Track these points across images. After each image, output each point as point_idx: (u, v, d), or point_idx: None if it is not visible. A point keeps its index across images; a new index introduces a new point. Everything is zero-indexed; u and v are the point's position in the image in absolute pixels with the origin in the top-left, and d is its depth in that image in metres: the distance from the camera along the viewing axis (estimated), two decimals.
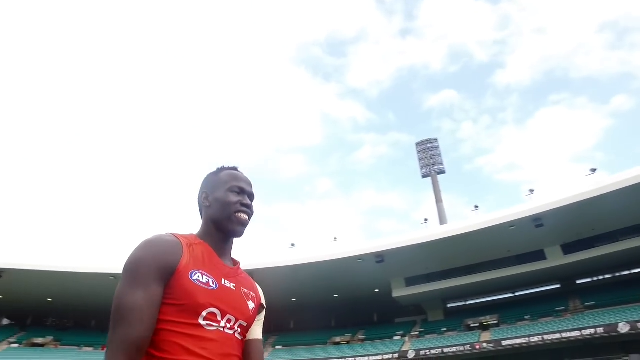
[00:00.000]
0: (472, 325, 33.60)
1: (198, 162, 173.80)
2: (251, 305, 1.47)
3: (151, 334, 1.22)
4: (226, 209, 1.46)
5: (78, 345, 39.25)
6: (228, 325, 1.35)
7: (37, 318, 43.05)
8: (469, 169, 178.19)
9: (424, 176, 69.81)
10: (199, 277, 1.31)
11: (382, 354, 32.34)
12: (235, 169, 1.59)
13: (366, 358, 32.48)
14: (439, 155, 69.70)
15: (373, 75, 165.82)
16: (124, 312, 1.19)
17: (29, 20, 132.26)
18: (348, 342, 37.23)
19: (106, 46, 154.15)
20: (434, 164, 69.10)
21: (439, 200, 67.84)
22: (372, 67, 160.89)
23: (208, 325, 1.30)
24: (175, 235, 1.37)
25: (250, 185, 1.57)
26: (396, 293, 35.16)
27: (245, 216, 1.48)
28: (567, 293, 33.36)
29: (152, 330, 1.22)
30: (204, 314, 1.29)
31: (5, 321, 42.86)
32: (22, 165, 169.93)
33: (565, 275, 32.93)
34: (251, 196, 1.55)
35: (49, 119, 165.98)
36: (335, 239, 34.96)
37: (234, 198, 1.48)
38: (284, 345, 39.13)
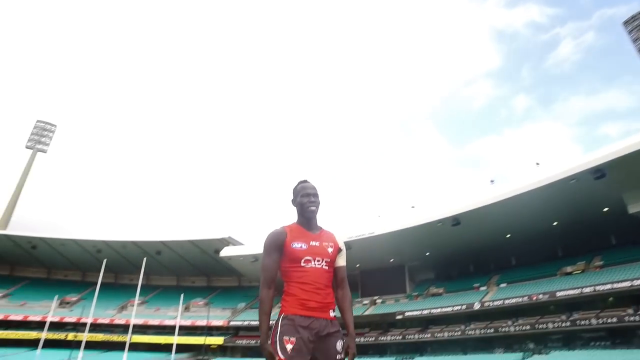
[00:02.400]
0: None
1: (380, 110, 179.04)
2: (330, 250, 2.65)
3: (275, 275, 2.54)
4: (302, 207, 2.72)
5: None
6: (317, 264, 2.58)
7: None
8: None
9: None
10: (295, 244, 2.59)
11: (632, 280, 28.44)
12: (305, 181, 2.82)
13: (609, 286, 29.20)
14: None
15: None
16: (264, 267, 2.57)
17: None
18: (582, 271, 33.96)
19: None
20: None
21: None
22: None
23: (306, 264, 2.56)
24: (283, 227, 2.66)
25: (314, 188, 2.74)
26: (634, 208, 30.05)
27: (312, 207, 2.70)
28: None
29: (276, 273, 2.55)
30: (302, 261, 2.57)
31: None
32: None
33: None
34: (315, 195, 2.71)
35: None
36: (538, 164, 31.98)
37: (304, 199, 2.72)
38: (508, 283, 38.43)
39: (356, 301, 46.80)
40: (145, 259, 47.47)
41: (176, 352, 42.22)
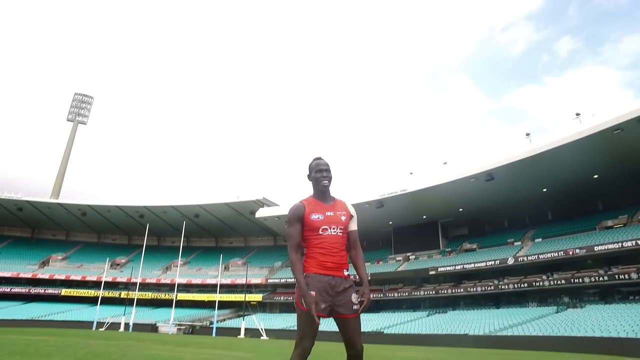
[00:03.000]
0: None
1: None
2: (343, 218, 2.97)
3: (300, 242, 2.89)
4: (316, 181, 3.02)
5: None
6: (333, 231, 2.91)
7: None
8: None
9: None
10: (313, 216, 2.91)
11: None
12: (319, 158, 3.10)
13: None
14: None
15: None
16: (289, 235, 2.90)
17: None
18: (624, 225, 32.59)
19: None
20: None
21: None
22: None
23: (323, 232, 2.89)
24: (302, 201, 2.98)
25: (326, 164, 3.05)
26: None
27: (325, 181, 3.00)
28: None
29: (300, 239, 2.88)
30: (320, 230, 2.89)
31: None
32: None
33: None
34: (327, 171, 3.02)
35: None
36: (578, 114, 30.01)
37: (317, 175, 3.01)
38: (543, 238, 37.61)
39: (389, 258, 47.56)
40: (184, 222, 49.88)
41: (218, 308, 44.99)
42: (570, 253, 31.98)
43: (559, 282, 32.49)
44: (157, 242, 62.67)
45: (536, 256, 34.36)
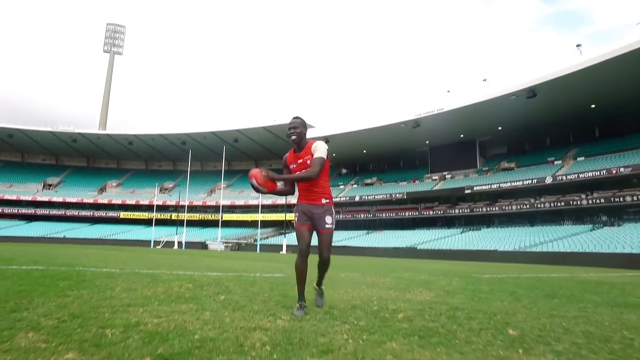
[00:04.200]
0: None
1: None
2: (309, 161, 3.60)
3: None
4: (288, 137, 3.68)
5: (396, 181, 49.62)
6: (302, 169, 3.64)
7: (362, 166, 56.20)
8: None
9: None
10: (291, 165, 3.72)
11: None
12: (294, 117, 3.74)
13: None
14: None
15: None
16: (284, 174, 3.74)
17: None
18: None
19: None
20: None
21: None
22: None
23: (293, 172, 3.68)
24: (287, 153, 3.77)
25: (294, 122, 3.70)
26: None
27: (293, 137, 3.66)
28: None
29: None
30: (291, 167, 3.70)
31: (344, 170, 58.37)
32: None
33: None
34: (294, 128, 3.67)
35: None
36: None
37: (288, 132, 3.70)
38: (586, 156, 36.23)
39: (425, 177, 47.89)
40: (224, 147, 51.72)
41: (261, 227, 48.12)
42: (614, 172, 30.92)
43: (598, 201, 31.93)
44: (200, 167, 65.79)
45: (576, 175, 33.52)
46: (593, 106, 33.68)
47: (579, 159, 36.83)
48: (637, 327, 3.31)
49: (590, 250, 25.44)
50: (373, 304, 4.17)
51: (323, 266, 3.80)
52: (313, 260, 3.57)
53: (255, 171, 3.56)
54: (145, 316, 2.99)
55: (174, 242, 45.68)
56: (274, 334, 2.59)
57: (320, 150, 3.61)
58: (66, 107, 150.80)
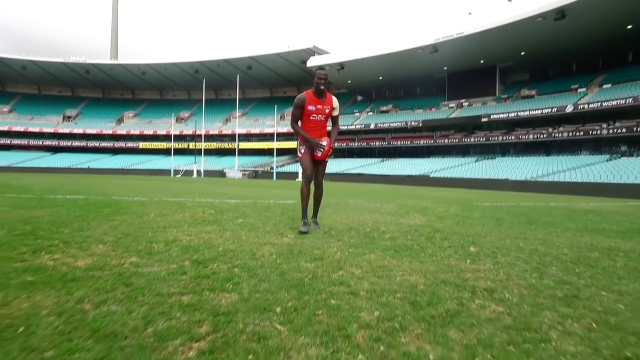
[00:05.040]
0: None
1: None
2: (327, 110, 4.46)
3: (298, 119, 4.50)
4: (316, 84, 4.34)
5: (412, 109, 49.04)
6: (319, 118, 4.46)
7: (378, 93, 55.25)
8: None
9: None
10: (309, 107, 4.41)
11: None
12: (321, 68, 4.42)
13: None
14: None
15: None
16: (292, 114, 4.49)
17: None
18: None
19: None
20: None
21: None
22: None
23: (312, 117, 4.45)
24: (304, 93, 4.43)
25: (325, 75, 4.33)
26: None
27: (321, 86, 4.31)
28: None
29: (299, 118, 4.49)
30: (311, 116, 4.44)
31: (359, 97, 57.60)
32: None
33: None
34: (325, 79, 4.33)
35: None
36: None
37: (318, 80, 4.33)
38: (613, 84, 34.81)
39: (442, 104, 47.13)
40: (238, 75, 51.23)
41: (277, 155, 49.20)
42: None
43: (619, 130, 31.36)
44: (215, 96, 65.71)
45: (599, 103, 32.59)
46: (630, 27, 31.58)
47: (604, 86, 35.49)
48: (579, 246, 3.96)
49: (603, 181, 25.46)
50: (367, 226, 4.90)
51: (318, 191, 4.60)
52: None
53: (328, 147, 4.38)
54: (179, 235, 3.77)
55: (192, 171, 47.40)
56: (279, 247, 3.34)
57: (338, 108, 4.54)
58: (78, 38, 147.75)
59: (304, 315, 1.81)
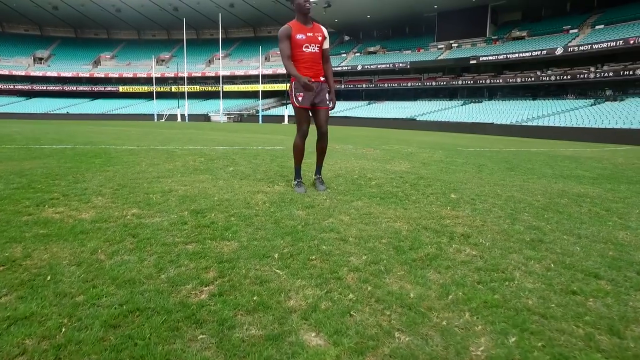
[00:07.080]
0: None
1: None
2: (320, 38, 3.78)
3: (290, 53, 3.72)
4: (300, 6, 3.68)
5: (400, 50, 47.82)
6: (313, 49, 3.75)
7: (365, 33, 53.40)
8: None
9: None
10: (298, 35, 3.71)
11: None
12: None
13: None
14: None
15: None
16: (281, 50, 3.73)
17: None
18: None
19: None
20: None
21: None
22: None
23: (305, 49, 3.73)
24: (288, 24, 3.74)
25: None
26: None
27: (308, 5, 3.70)
28: None
29: (290, 52, 3.72)
30: (303, 47, 3.73)
31: (346, 37, 55.69)
32: None
33: None
34: (309, 2, 3.70)
35: None
36: None
37: (302, 1, 3.66)
38: (606, 24, 34.19)
39: (431, 45, 46.05)
40: (220, 14, 48.72)
41: (262, 98, 48.30)
42: (631, 42, 29.58)
43: (606, 74, 31.36)
44: (196, 36, 62.76)
45: (589, 46, 32.23)
46: None
47: (597, 27, 34.90)
48: (552, 193, 4.25)
49: (585, 125, 25.65)
50: (354, 173, 5.10)
51: (322, 142, 3.94)
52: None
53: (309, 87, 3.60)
54: (174, 185, 3.91)
55: (176, 115, 46.46)
56: (272, 195, 3.53)
57: (328, 38, 3.92)
58: None
59: (299, 260, 2.03)
